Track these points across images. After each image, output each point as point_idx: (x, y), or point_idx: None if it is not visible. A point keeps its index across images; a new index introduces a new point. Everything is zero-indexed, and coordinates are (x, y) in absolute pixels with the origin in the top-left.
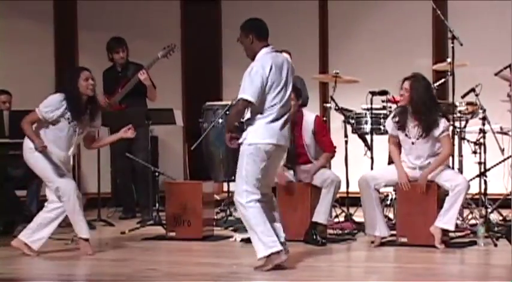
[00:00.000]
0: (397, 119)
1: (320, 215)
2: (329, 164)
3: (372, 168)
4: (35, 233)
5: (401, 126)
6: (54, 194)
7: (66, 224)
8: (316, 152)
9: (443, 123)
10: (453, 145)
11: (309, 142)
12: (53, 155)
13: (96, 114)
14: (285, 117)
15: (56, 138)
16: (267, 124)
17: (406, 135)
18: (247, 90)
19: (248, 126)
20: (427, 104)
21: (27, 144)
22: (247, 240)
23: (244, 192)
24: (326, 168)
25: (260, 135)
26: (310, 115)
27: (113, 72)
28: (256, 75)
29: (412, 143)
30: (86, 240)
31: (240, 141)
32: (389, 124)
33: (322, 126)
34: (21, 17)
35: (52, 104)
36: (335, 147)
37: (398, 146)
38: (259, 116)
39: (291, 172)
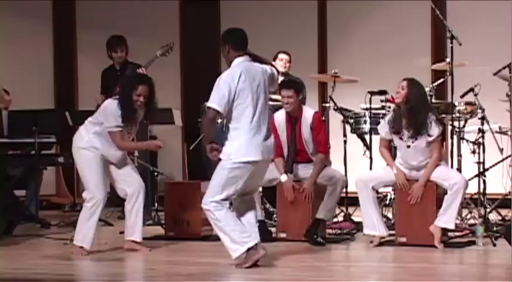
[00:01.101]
0: (392, 123)
1: (324, 213)
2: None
3: (370, 168)
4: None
5: (396, 130)
6: (84, 194)
7: (65, 224)
8: (314, 148)
9: (437, 128)
10: (442, 150)
11: (307, 138)
12: (109, 155)
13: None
14: (265, 127)
15: None
16: (249, 140)
17: (400, 138)
18: (214, 99)
19: (229, 140)
20: (419, 106)
21: (77, 142)
22: None
23: (214, 202)
24: (330, 166)
25: (243, 153)
26: (309, 111)
27: (111, 72)
28: (224, 84)
29: (408, 146)
30: (81, 247)
31: (221, 156)
32: (382, 128)
33: (319, 123)
34: (20, 17)
35: (113, 113)
36: (329, 146)
37: (389, 148)
38: (239, 132)
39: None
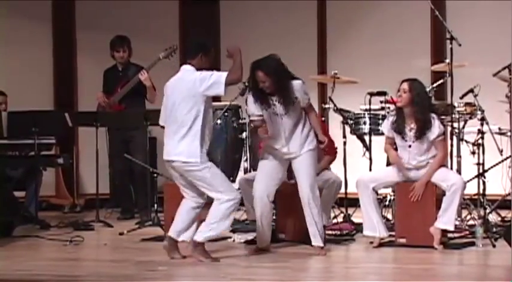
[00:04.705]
0: (394, 123)
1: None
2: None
3: (370, 169)
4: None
5: (399, 130)
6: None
7: (64, 225)
8: (318, 151)
9: (438, 127)
10: (447, 149)
11: None
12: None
13: (284, 99)
14: (171, 131)
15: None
16: (165, 142)
17: (402, 138)
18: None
19: None
20: (424, 106)
21: None
22: (248, 242)
23: None
24: (327, 169)
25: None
26: None
27: (113, 72)
28: None
29: (409, 146)
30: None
31: None
32: (385, 127)
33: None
34: (19, 17)
35: (250, 105)
36: (336, 148)
37: (394, 146)
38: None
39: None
